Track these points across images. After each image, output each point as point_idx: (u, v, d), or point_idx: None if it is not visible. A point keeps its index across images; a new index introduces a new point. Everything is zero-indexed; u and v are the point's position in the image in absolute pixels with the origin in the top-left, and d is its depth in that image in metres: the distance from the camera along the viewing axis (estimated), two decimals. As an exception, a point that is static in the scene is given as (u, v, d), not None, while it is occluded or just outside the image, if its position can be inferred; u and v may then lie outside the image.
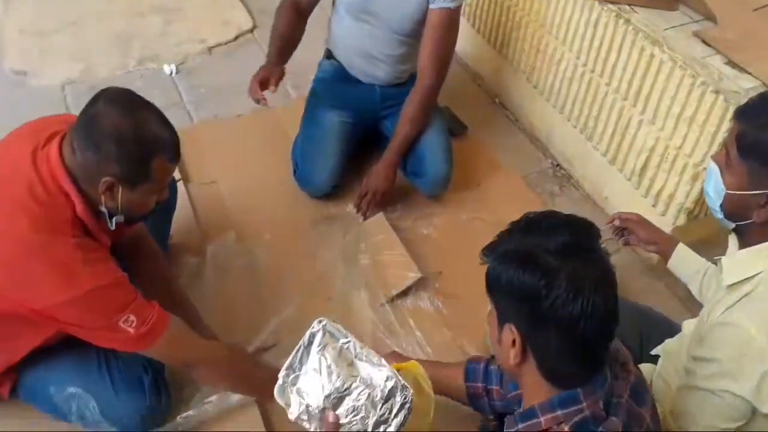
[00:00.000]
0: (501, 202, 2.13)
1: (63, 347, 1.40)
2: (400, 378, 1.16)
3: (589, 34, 2.08)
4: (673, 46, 1.85)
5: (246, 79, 2.52)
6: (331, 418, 1.12)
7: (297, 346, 1.19)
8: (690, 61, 1.81)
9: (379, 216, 2.03)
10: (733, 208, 1.18)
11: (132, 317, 1.23)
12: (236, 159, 2.19)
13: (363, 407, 1.14)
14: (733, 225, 1.21)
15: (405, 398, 1.16)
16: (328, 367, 1.17)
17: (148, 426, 1.46)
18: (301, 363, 1.19)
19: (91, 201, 1.25)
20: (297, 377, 1.19)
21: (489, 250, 0.97)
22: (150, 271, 1.56)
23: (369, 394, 1.15)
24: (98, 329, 1.24)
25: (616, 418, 0.94)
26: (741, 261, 1.18)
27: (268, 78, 1.95)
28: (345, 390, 1.15)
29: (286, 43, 2.02)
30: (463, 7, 2.67)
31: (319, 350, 1.19)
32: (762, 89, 1.75)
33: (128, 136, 1.18)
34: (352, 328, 1.65)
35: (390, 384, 1.15)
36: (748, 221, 1.16)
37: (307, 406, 1.16)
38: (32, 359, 1.39)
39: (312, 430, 1.17)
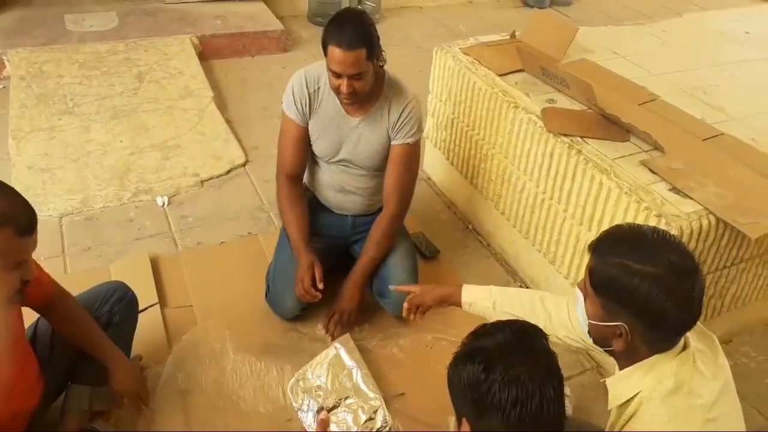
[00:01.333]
0: (465, 324, 2.14)
1: None
2: (384, 406, 1.65)
3: (546, 164, 2.23)
4: (620, 174, 1.98)
5: (233, 209, 2.72)
6: (323, 416, 1.59)
7: (314, 360, 1.78)
8: (635, 188, 1.92)
9: (346, 337, 2.08)
10: (597, 337, 1.25)
11: None
12: (214, 283, 2.29)
13: (351, 416, 1.66)
14: (602, 351, 1.28)
15: (385, 422, 1.64)
16: (333, 380, 1.74)
17: None
18: (312, 372, 1.79)
19: None
20: (306, 381, 1.78)
21: (450, 363, 1.08)
22: (67, 320, 1.63)
23: (358, 407, 1.67)
24: None
25: None
26: (621, 383, 1.24)
27: (313, 272, 2.03)
28: (340, 399, 1.71)
29: (301, 219, 2.13)
30: (437, 142, 2.89)
31: (330, 366, 1.78)
32: (703, 213, 1.85)
33: None
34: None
35: (376, 404, 1.69)
36: (611, 348, 1.22)
37: (309, 402, 1.73)
38: None
39: (307, 423, 1.68)
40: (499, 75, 2.51)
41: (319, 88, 2.07)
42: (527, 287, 2.44)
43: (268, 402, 1.88)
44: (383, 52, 2.00)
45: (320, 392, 1.80)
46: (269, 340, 2.08)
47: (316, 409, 1.77)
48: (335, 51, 1.87)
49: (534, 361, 1.00)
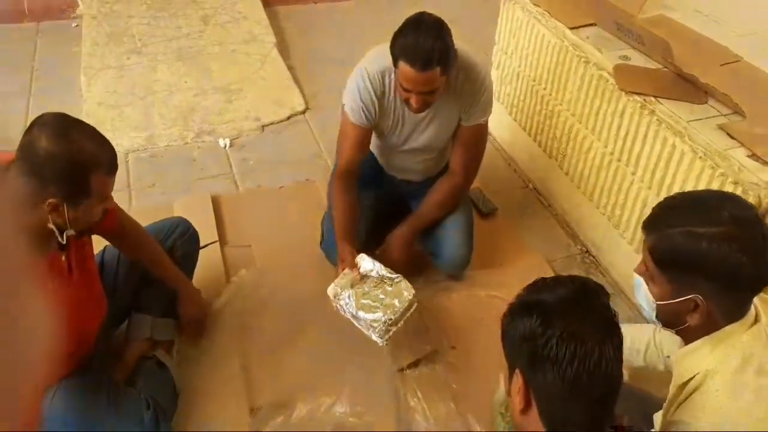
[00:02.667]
0: (520, 282, 2.13)
1: (79, 377, 1.50)
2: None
3: (615, 123, 2.15)
4: (695, 138, 1.88)
5: (293, 154, 2.73)
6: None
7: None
8: (711, 153, 1.83)
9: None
10: (666, 317, 1.19)
11: None
12: (273, 226, 2.32)
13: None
14: (674, 331, 1.22)
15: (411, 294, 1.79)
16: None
17: None
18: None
19: (32, 226, 1.28)
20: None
21: (504, 313, 1.07)
22: (136, 248, 1.70)
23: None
24: None
25: None
26: (685, 360, 1.18)
27: (347, 266, 1.88)
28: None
29: (347, 216, 1.98)
30: (501, 96, 2.81)
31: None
32: (783, 182, 1.75)
33: (63, 158, 1.23)
34: (362, 391, 1.72)
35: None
36: (686, 325, 1.16)
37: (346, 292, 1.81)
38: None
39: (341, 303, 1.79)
40: (570, 28, 2.40)
41: (384, 88, 1.93)
42: (588, 251, 2.39)
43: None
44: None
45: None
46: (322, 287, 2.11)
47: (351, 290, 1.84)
48: (407, 69, 1.72)
49: (594, 318, 0.98)
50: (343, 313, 1.82)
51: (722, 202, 1.13)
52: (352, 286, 1.83)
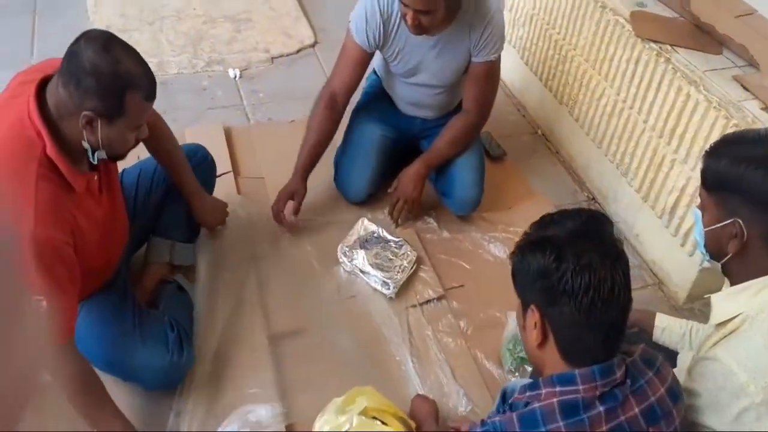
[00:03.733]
0: (528, 222, 2.19)
1: (103, 298, 1.54)
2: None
3: (629, 71, 2.16)
4: (710, 88, 1.90)
5: (303, 89, 2.71)
6: None
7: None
8: (725, 103, 1.86)
9: (410, 231, 2.14)
10: (713, 247, 1.21)
11: (43, 303, 1.29)
12: (285, 160, 2.31)
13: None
14: (719, 265, 1.23)
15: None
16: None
17: (169, 378, 1.59)
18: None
19: (69, 140, 1.31)
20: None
21: (513, 250, 1.08)
22: (160, 149, 1.74)
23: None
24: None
25: (603, 407, 0.98)
26: (726, 301, 1.20)
27: (293, 198, 2.02)
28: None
29: (317, 151, 2.05)
30: (513, 39, 2.80)
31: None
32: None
33: (104, 70, 1.24)
34: (370, 326, 1.79)
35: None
36: (729, 256, 1.17)
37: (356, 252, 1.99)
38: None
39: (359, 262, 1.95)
40: (590, -28, 2.38)
41: (392, 12, 1.92)
42: (594, 198, 2.44)
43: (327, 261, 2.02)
44: None
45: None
46: (336, 219, 2.15)
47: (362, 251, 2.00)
48: None
49: (604, 247, 1.00)
50: (347, 267, 1.99)
51: None
52: (361, 247, 2.00)
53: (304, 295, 1.90)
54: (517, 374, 1.73)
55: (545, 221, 1.07)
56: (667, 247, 2.11)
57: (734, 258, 1.17)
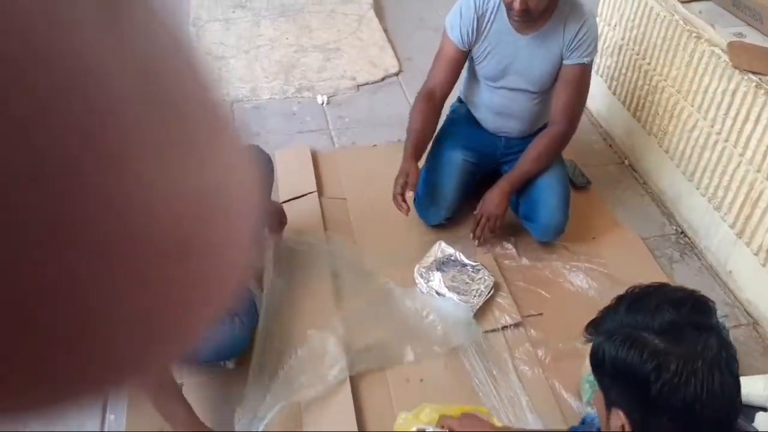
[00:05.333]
0: (614, 258, 2.15)
1: None
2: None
3: (725, 102, 2.08)
4: (814, 121, 1.82)
5: (386, 115, 2.79)
6: None
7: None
8: (830, 137, 1.77)
9: (488, 256, 2.13)
10: None
11: None
12: (367, 182, 2.39)
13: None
14: None
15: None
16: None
17: (226, 350, 1.63)
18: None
19: None
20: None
21: (593, 327, 0.95)
22: None
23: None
24: None
25: None
26: None
27: (408, 181, 2.02)
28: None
29: (422, 136, 2.10)
30: (601, 69, 2.76)
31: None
32: None
33: None
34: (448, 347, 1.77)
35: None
36: None
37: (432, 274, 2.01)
38: None
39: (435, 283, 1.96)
40: (681, 2, 2.33)
41: (487, 9, 1.99)
42: (683, 232, 2.34)
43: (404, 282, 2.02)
44: None
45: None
46: (413, 244, 2.17)
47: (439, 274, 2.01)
48: None
49: (709, 347, 0.85)
50: (423, 288, 1.98)
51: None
52: (437, 269, 2.01)
53: (380, 314, 1.91)
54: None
55: (633, 303, 0.92)
56: (764, 285, 2.00)
57: None
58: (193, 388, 1.63)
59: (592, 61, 2.06)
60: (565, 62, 2.03)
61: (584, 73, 2.06)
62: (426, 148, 2.13)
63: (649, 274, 2.09)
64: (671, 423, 0.84)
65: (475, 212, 2.13)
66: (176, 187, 0.18)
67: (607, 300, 1.99)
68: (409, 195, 2.05)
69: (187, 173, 0.19)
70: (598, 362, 0.92)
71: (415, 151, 2.07)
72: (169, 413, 1.44)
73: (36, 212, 0.15)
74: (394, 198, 2.03)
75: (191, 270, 0.19)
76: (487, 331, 1.90)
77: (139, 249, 0.17)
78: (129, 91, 0.17)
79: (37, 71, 0.15)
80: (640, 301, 0.92)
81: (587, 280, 2.04)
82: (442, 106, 2.15)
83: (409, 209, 2.04)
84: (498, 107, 2.17)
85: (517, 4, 1.84)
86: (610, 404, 0.92)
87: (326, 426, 1.61)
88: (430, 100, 2.10)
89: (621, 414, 0.89)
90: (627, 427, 0.88)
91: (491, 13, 1.99)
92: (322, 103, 2.82)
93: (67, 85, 0.15)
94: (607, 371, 0.90)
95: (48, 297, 0.16)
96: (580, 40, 1.99)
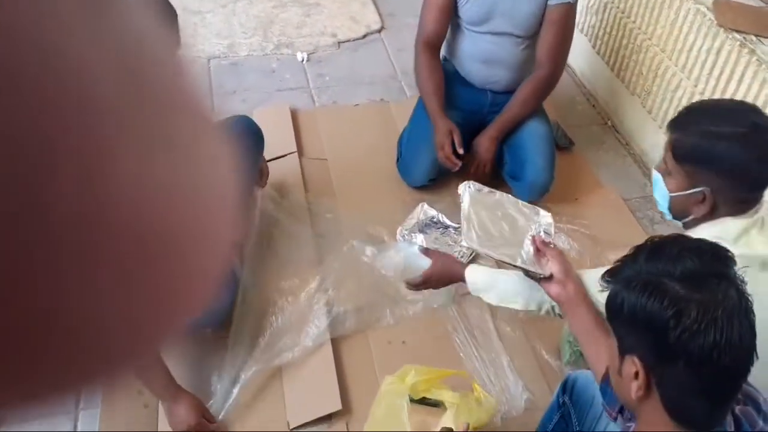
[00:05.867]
0: (596, 219, 2.15)
1: None
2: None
3: (710, 61, 2.07)
4: (798, 81, 1.81)
5: (368, 74, 2.73)
6: None
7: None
8: (814, 98, 1.76)
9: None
10: (677, 209, 1.31)
11: None
12: (347, 142, 2.35)
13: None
14: (681, 224, 1.34)
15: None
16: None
17: (207, 318, 1.58)
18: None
19: None
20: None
21: (611, 276, 0.94)
22: None
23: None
24: None
25: None
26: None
27: (452, 138, 2.02)
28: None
29: (440, 90, 2.09)
30: (585, 27, 2.72)
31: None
32: None
33: None
34: (428, 311, 1.77)
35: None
36: (691, 217, 1.29)
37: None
38: None
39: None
40: (669, -41, 2.29)
41: None
42: (663, 192, 2.35)
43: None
44: None
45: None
46: (395, 202, 2.15)
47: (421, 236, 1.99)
48: None
49: (729, 296, 0.85)
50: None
51: (744, 108, 1.31)
52: (420, 231, 1.99)
53: (363, 275, 1.90)
54: (575, 367, 1.70)
55: (656, 252, 0.91)
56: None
57: (698, 219, 1.27)
58: (171, 353, 1.61)
59: (576, 0, 2.05)
60: (549, 3, 2.01)
61: (569, 13, 2.04)
62: (444, 99, 2.11)
63: (630, 235, 2.09)
64: (687, 369, 0.84)
65: (460, 150, 2.08)
66: (159, 180, 0.18)
67: (589, 261, 2.01)
68: (460, 152, 2.03)
69: (170, 167, 0.19)
70: (615, 309, 0.91)
71: (441, 110, 2.07)
72: (147, 378, 1.43)
73: (16, 202, 0.15)
74: (447, 158, 2.02)
75: (175, 263, 0.19)
76: (469, 293, 1.90)
77: (122, 242, 0.17)
78: (108, 80, 0.17)
79: (13, 61, 0.15)
80: (660, 249, 0.91)
81: (569, 241, 2.05)
82: (440, 53, 2.17)
83: (460, 165, 2.04)
84: (484, 54, 2.13)
85: None
86: (623, 351, 0.91)
87: (307, 389, 1.61)
88: (433, 50, 2.11)
89: (636, 360, 0.88)
90: (642, 374, 0.88)
91: None
92: (302, 61, 2.75)
93: (46, 76, 0.15)
94: (625, 318, 0.90)
95: (31, 291, 0.16)
96: None
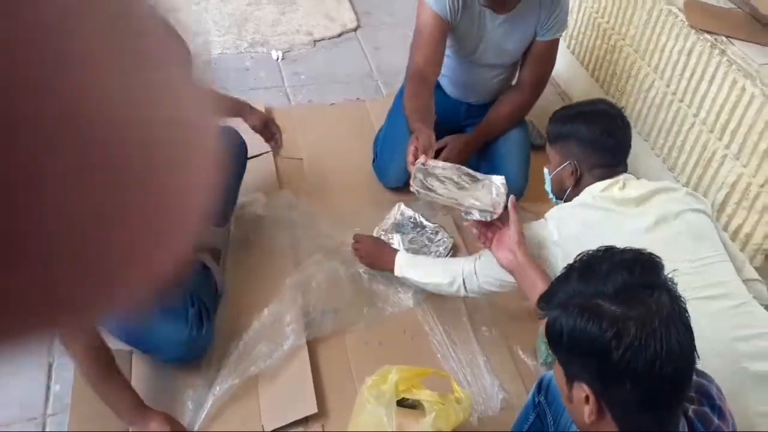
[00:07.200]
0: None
1: None
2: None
3: (681, 62, 2.09)
4: (767, 81, 1.84)
5: (344, 72, 2.72)
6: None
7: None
8: (782, 99, 1.79)
9: (447, 218, 2.12)
10: (557, 188, 1.66)
11: None
12: (323, 142, 2.33)
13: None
14: (562, 202, 1.61)
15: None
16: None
17: (188, 351, 1.59)
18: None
19: None
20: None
21: (547, 301, 0.93)
22: None
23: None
24: None
25: None
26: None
27: (425, 151, 1.69)
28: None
29: (428, 113, 1.83)
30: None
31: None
32: None
33: None
34: (405, 311, 1.77)
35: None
36: (567, 190, 1.60)
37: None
38: None
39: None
40: (641, -40, 2.31)
41: None
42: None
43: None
44: None
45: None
46: (372, 203, 2.14)
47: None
48: None
49: (663, 304, 0.85)
50: None
51: (600, 101, 1.72)
52: (397, 231, 1.99)
53: (339, 277, 1.89)
54: (551, 367, 1.71)
55: (584, 271, 0.90)
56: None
57: (571, 191, 1.58)
58: (142, 377, 1.58)
59: (561, 35, 2.05)
60: (538, 38, 2.00)
61: (555, 45, 2.06)
62: (433, 119, 1.83)
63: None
64: (634, 386, 0.85)
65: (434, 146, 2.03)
66: (139, 110, 0.18)
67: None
68: (421, 159, 1.79)
69: (148, 94, 0.19)
70: (556, 336, 0.90)
71: (424, 121, 1.77)
72: (112, 401, 1.39)
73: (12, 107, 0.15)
74: (411, 157, 1.77)
75: (155, 192, 0.19)
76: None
77: (110, 149, 0.17)
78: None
79: None
80: (590, 267, 0.91)
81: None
82: (435, 87, 1.96)
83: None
84: (462, 80, 2.13)
85: None
86: (571, 378, 0.91)
87: (283, 392, 1.59)
88: (423, 80, 1.88)
89: (584, 386, 0.88)
90: (592, 399, 0.88)
91: None
92: (277, 59, 2.73)
93: None
94: (567, 345, 0.89)
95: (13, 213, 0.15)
96: (555, 18, 1.96)
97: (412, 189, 1.57)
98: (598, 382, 0.87)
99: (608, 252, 0.92)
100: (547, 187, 1.68)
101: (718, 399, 0.96)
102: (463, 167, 1.64)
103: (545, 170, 1.69)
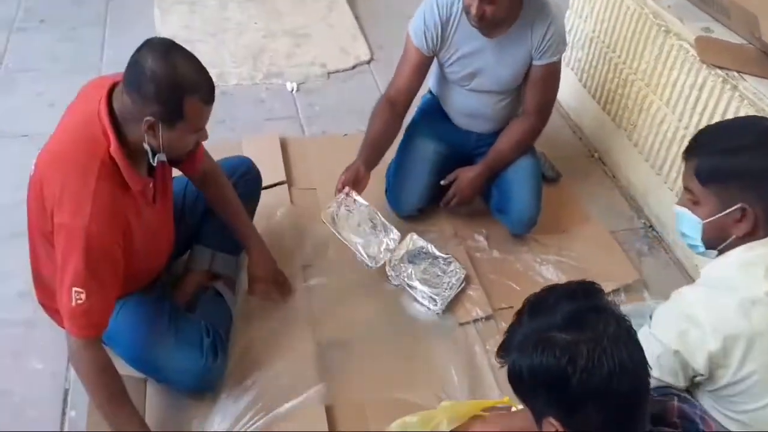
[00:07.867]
0: (584, 251, 2.17)
1: (141, 297, 1.57)
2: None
3: (693, 96, 2.10)
4: (780, 117, 1.84)
5: (357, 104, 2.74)
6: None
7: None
8: (796, 134, 1.79)
9: (460, 249, 2.13)
10: (712, 235, 1.28)
11: (83, 296, 1.31)
12: (337, 172, 2.33)
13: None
14: (716, 253, 1.30)
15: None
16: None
17: (202, 382, 1.59)
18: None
19: (132, 143, 1.37)
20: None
21: (504, 349, 0.96)
22: (218, 198, 1.74)
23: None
24: (61, 273, 1.33)
25: None
26: (712, 264, 1.30)
27: (353, 183, 1.93)
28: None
29: (379, 148, 2.01)
30: (571, 61, 2.77)
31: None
32: None
33: (162, 77, 1.28)
34: (418, 341, 1.76)
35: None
36: (729, 240, 1.26)
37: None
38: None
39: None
40: (651, -4, 2.35)
41: (451, 15, 1.94)
42: (651, 226, 2.37)
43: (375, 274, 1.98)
44: None
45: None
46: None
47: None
48: None
49: (608, 324, 0.89)
50: (395, 280, 1.97)
51: (754, 119, 1.46)
52: (409, 261, 2.00)
53: (351, 307, 1.89)
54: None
55: (532, 311, 0.95)
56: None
57: (737, 240, 1.25)
58: (156, 405, 1.58)
59: (561, 57, 2.05)
60: (535, 63, 2.02)
61: (555, 69, 2.06)
62: (382, 155, 2.03)
63: (618, 267, 2.11)
64: (595, 408, 0.87)
65: (442, 182, 2.13)
66: None
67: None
68: (346, 190, 1.93)
69: None
70: (516, 378, 0.93)
71: (369, 163, 1.96)
72: (120, 428, 1.40)
73: None
74: (341, 184, 1.94)
75: None
76: (459, 324, 1.90)
77: None
78: None
79: None
80: (538, 304, 0.95)
81: (557, 273, 2.06)
82: (405, 113, 2.10)
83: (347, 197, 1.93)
84: (468, 109, 2.15)
85: (473, 9, 1.81)
86: (539, 416, 0.93)
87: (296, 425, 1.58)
88: (392, 108, 2.03)
89: (551, 420, 0.90)
90: (560, 430, 0.90)
91: (455, 18, 1.95)
92: (292, 90, 2.77)
93: None
94: (528, 383, 0.92)
95: None
96: (548, 41, 1.97)
97: (322, 216, 1.85)
98: (563, 412, 0.90)
99: (552, 288, 0.98)
100: (690, 232, 1.32)
101: (702, 423, 0.99)
102: (378, 215, 1.94)
103: (678, 210, 1.34)
